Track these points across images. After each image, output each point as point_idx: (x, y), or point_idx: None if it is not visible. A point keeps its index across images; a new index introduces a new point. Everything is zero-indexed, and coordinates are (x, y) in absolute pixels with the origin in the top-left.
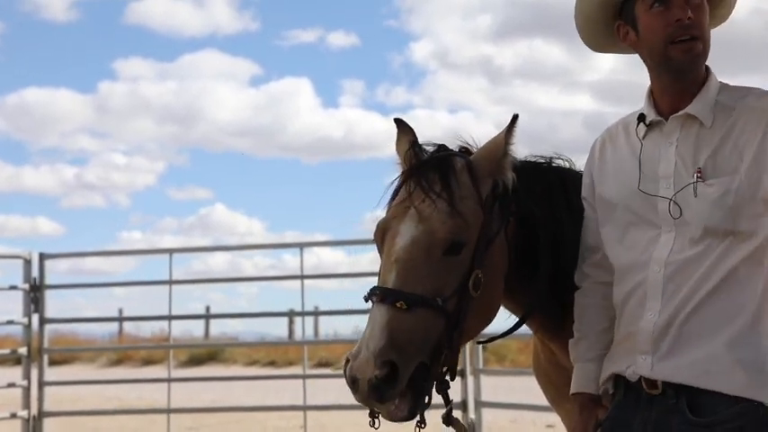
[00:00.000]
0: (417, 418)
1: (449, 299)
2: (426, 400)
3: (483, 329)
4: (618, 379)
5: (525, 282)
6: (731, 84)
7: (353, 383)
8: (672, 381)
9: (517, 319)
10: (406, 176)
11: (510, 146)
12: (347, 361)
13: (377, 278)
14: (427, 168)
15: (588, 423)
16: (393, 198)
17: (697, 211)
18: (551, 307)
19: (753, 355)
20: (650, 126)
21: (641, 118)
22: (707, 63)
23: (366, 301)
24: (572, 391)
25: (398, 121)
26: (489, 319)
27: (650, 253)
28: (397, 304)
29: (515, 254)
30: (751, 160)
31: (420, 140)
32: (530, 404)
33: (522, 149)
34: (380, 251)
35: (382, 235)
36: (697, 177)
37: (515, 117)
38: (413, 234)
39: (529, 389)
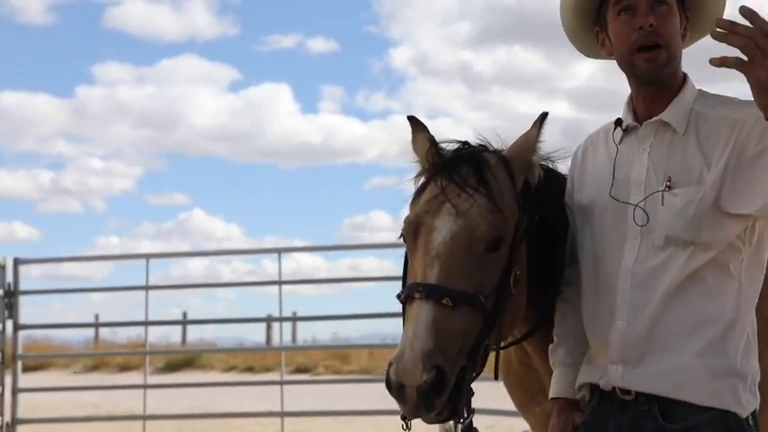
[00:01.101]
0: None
1: (488, 297)
2: (468, 402)
3: (513, 330)
4: (593, 385)
5: (537, 284)
6: (710, 91)
7: (399, 391)
8: (645, 391)
9: None
10: (436, 172)
11: (540, 143)
12: (390, 365)
13: (401, 282)
14: (459, 163)
15: (566, 426)
16: (418, 195)
17: (662, 219)
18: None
19: (723, 365)
20: (626, 131)
21: (618, 122)
22: (684, 70)
23: (401, 299)
24: (551, 395)
25: (412, 119)
26: (519, 319)
27: (618, 261)
28: (443, 301)
29: (532, 255)
30: (718, 171)
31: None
32: (507, 410)
33: None
34: (411, 248)
35: (414, 231)
36: (666, 186)
37: (545, 114)
38: (452, 229)
39: (506, 394)
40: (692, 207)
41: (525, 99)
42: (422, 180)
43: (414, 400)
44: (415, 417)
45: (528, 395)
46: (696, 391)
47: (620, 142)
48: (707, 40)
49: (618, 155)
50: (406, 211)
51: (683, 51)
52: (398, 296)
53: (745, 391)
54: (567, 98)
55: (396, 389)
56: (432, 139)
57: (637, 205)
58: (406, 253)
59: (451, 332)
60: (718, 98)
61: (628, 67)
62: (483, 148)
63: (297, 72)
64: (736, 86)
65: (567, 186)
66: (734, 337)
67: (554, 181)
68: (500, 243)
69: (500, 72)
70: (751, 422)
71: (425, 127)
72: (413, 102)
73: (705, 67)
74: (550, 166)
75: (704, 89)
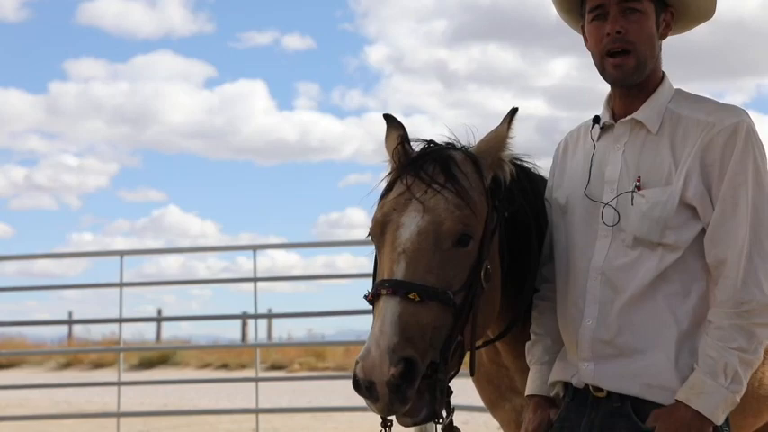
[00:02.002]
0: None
1: (458, 292)
2: (445, 398)
3: (489, 327)
4: (566, 383)
5: (511, 282)
6: (686, 90)
7: (369, 390)
8: (616, 391)
9: None
10: (402, 170)
11: (510, 139)
12: (356, 363)
13: (371, 280)
14: (425, 161)
15: (541, 422)
16: (385, 194)
17: (631, 219)
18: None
19: (690, 367)
20: (604, 129)
21: (596, 120)
22: (663, 69)
23: (369, 299)
24: (527, 392)
25: (388, 117)
26: (495, 316)
27: (588, 259)
28: (410, 296)
29: (504, 253)
30: (683, 173)
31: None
32: (482, 406)
33: None
34: (379, 246)
35: (381, 228)
36: (635, 186)
37: (515, 110)
38: (419, 225)
39: None
40: (658, 209)
41: (501, 97)
42: (389, 179)
43: (385, 397)
44: (390, 413)
45: (497, 393)
46: (665, 393)
47: (597, 140)
48: (687, 37)
49: (595, 152)
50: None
51: (671, 40)
52: (366, 296)
53: None
54: (543, 96)
55: (364, 387)
56: (402, 137)
57: (607, 204)
58: (376, 254)
59: (418, 326)
60: (695, 98)
61: (600, 70)
62: (450, 146)
63: (272, 69)
64: (721, 85)
65: (548, 183)
66: (700, 339)
67: (525, 179)
68: (468, 238)
69: (476, 70)
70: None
71: (401, 125)
72: (389, 99)
73: (674, 67)
74: (523, 164)
75: (683, 88)
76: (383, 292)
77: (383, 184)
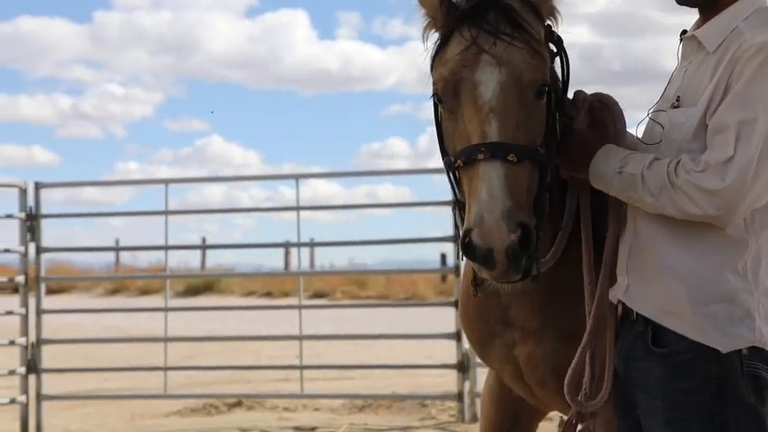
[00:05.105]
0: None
1: (541, 146)
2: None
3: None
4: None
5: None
6: None
7: (487, 258)
8: (639, 312)
9: None
10: (458, 22)
11: None
12: (467, 233)
13: (438, 142)
14: (485, 10)
15: None
16: (441, 49)
17: (662, 142)
18: None
19: (708, 293)
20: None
21: (683, 33)
22: None
23: (460, 163)
24: None
25: None
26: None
27: None
28: (509, 157)
29: None
30: (709, 93)
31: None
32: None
33: None
34: (452, 107)
35: (454, 88)
36: (673, 106)
37: None
38: (500, 80)
39: None
40: (675, 130)
41: None
42: (439, 32)
43: (504, 264)
44: (503, 280)
45: (487, 328)
46: (679, 320)
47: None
48: None
49: (675, 69)
50: (432, 76)
51: None
52: (450, 163)
53: (735, 324)
54: (587, 22)
55: (483, 255)
56: None
57: (652, 119)
58: (438, 112)
59: (521, 188)
60: None
61: None
62: None
63: None
64: None
65: None
66: (726, 261)
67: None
68: (545, 89)
69: None
70: (745, 352)
71: None
72: None
73: None
74: None
75: None
76: (480, 156)
77: (424, 40)
